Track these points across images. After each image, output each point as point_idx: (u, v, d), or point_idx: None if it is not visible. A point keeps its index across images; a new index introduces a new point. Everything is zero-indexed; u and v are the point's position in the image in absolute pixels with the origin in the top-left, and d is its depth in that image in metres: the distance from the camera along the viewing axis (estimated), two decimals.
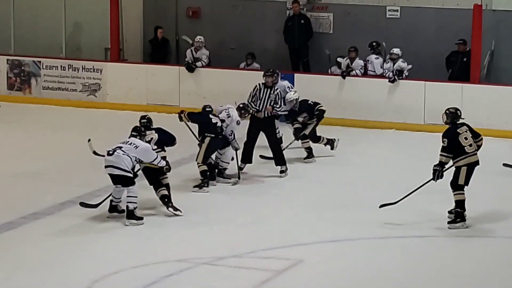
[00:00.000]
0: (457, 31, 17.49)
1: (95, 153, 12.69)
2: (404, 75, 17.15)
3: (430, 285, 9.72)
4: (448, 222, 11.00)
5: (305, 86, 17.22)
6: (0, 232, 11.19)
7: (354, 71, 17.50)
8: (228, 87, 17.44)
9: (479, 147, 11.03)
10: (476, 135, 11.17)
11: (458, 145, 10.84)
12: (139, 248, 10.76)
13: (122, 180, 11.27)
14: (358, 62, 17.62)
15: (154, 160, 11.48)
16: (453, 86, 17.04)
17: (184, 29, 19.62)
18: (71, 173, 13.30)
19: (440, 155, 10.96)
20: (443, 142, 10.90)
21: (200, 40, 18.45)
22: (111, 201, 11.57)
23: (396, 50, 17.30)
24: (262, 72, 14.17)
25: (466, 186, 10.99)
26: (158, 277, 9.69)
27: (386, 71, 17.31)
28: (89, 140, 12.60)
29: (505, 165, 13.92)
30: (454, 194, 11.02)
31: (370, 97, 17.41)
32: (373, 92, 17.42)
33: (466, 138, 10.84)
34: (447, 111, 11.16)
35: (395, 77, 17.02)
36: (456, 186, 10.96)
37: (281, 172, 13.90)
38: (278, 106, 13.82)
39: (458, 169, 10.96)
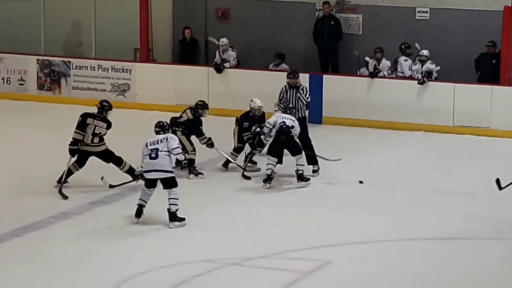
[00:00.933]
0: (486, 33, 17.48)
1: (111, 186, 12.94)
2: (433, 76, 17.14)
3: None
4: None
5: (334, 88, 17.53)
6: (29, 231, 11.26)
7: (381, 72, 17.53)
8: (257, 88, 17.39)
9: None
10: None
11: None
12: (167, 248, 10.80)
13: (169, 183, 11.23)
14: (385, 63, 17.65)
15: (175, 148, 11.37)
16: (483, 88, 17.04)
17: (213, 30, 19.69)
18: (100, 173, 13.30)
19: None
20: None
21: (223, 43, 18.49)
22: (140, 205, 11.46)
23: (425, 52, 17.30)
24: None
25: None
26: (186, 277, 9.72)
27: (415, 72, 17.27)
28: (102, 177, 12.78)
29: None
30: None
31: (398, 99, 17.39)
32: (402, 94, 17.41)
33: None
34: None
35: (424, 78, 17.03)
36: None
37: (313, 171, 13.95)
38: (304, 104, 14.03)
39: None
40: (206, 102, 14.13)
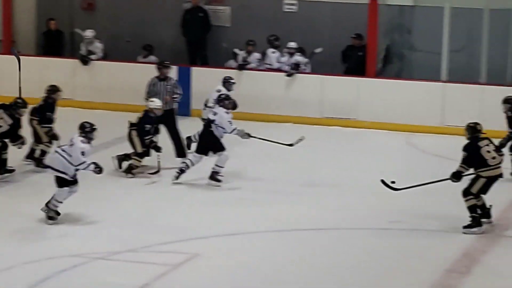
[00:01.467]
0: (353, 26, 17.92)
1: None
2: (301, 68, 17.56)
3: (327, 278, 9.84)
4: (464, 227, 10.87)
5: (203, 80, 17.52)
6: None
7: (250, 64, 17.82)
8: (124, 80, 17.59)
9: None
10: (497, 149, 11.26)
11: (480, 158, 10.72)
12: (31, 243, 10.69)
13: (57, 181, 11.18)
14: (255, 55, 17.97)
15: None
16: (350, 80, 17.52)
17: (79, 22, 19.56)
18: None
19: (460, 166, 10.85)
20: (463, 154, 10.85)
21: (88, 35, 18.50)
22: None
23: (293, 44, 17.68)
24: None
25: (482, 195, 11.00)
26: (52, 272, 9.62)
27: (283, 64, 17.65)
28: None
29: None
30: (465, 201, 10.87)
31: (267, 91, 17.69)
32: (271, 86, 17.70)
33: (488, 151, 10.74)
34: (467, 126, 11.08)
35: (292, 70, 17.44)
36: (467, 193, 10.83)
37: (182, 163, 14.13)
38: (176, 96, 14.09)
39: (476, 178, 10.84)
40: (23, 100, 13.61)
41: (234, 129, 13.01)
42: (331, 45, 18.13)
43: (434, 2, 17.79)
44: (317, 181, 13.73)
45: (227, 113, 12.99)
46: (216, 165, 13.07)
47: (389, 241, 11.27)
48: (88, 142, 11.31)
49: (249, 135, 13.31)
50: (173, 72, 15.87)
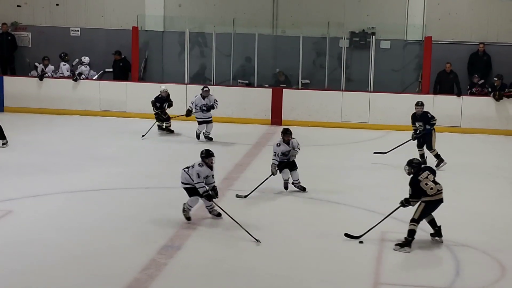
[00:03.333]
0: (120, 46, 19.36)
1: None
2: (83, 77, 18.97)
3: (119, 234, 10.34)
4: (396, 244, 10.00)
5: (12, 85, 18.89)
6: None
7: (47, 74, 19.06)
8: None
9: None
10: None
11: (421, 190, 9.95)
12: None
13: None
14: (50, 67, 19.12)
15: None
16: (119, 84, 19.01)
17: None
18: None
19: (411, 200, 10.08)
20: (409, 190, 10.07)
21: None
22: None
23: (84, 59, 19.15)
24: None
25: (420, 221, 10.06)
26: None
27: (71, 73, 18.96)
28: None
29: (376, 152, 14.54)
30: (409, 224, 10.03)
31: (61, 93, 18.98)
32: (63, 89, 19.04)
33: (426, 184, 9.93)
34: (411, 165, 10.17)
35: (77, 77, 18.92)
36: (412, 218, 10.04)
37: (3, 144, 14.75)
38: None
39: (419, 204, 10.05)
40: None
41: (198, 182, 10.60)
42: (105, 59, 19.59)
43: (177, 29, 19.45)
44: (100, 155, 14.70)
45: (201, 165, 10.54)
46: None
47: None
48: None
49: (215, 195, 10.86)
50: None
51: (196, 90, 17.46)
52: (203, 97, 16.16)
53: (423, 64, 18.14)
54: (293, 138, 12.19)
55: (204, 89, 16.30)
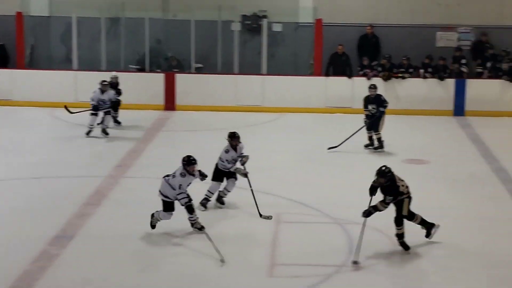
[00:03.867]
0: (4, 32, 18.75)
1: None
2: None
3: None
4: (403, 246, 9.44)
5: None
6: None
7: None
8: None
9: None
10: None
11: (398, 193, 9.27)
12: None
13: None
14: None
15: None
16: (2, 72, 18.45)
17: None
18: None
19: (384, 206, 9.34)
20: (387, 199, 9.29)
21: None
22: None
23: None
24: None
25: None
26: None
27: None
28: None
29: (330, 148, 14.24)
30: (397, 228, 9.52)
31: None
32: None
33: (402, 185, 9.41)
34: (387, 175, 9.29)
35: None
36: (399, 220, 9.52)
37: None
38: None
39: (403, 201, 9.42)
40: None
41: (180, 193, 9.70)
42: None
43: (64, 13, 18.95)
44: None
45: (183, 175, 9.68)
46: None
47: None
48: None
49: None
50: None
51: (87, 76, 17.66)
52: (102, 91, 15.45)
53: (315, 47, 18.39)
54: (240, 143, 11.06)
55: (103, 83, 15.58)
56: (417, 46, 18.50)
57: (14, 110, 17.91)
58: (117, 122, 16.33)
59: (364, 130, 14.45)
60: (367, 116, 14.35)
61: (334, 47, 18.25)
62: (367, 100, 14.38)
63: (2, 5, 19.25)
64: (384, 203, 9.29)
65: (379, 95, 14.44)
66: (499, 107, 17.89)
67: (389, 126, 15.56)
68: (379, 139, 14.47)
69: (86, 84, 17.21)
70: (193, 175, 9.68)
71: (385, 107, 14.31)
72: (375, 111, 14.20)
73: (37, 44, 19.62)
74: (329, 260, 9.26)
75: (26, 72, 18.74)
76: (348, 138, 14.39)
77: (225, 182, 11.02)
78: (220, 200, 11.00)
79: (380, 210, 9.31)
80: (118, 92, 16.16)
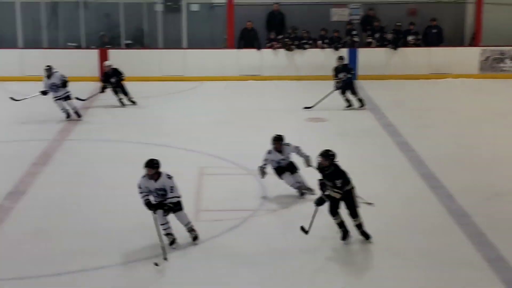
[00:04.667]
0: None
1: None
2: None
3: None
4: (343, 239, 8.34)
5: None
6: None
7: None
8: None
9: None
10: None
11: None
12: None
13: None
14: None
15: None
16: None
17: None
18: None
19: (338, 192, 8.12)
20: (338, 183, 8.07)
21: None
22: None
23: None
24: None
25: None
26: None
27: None
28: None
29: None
30: (355, 220, 8.36)
31: None
32: None
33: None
34: (329, 154, 8.14)
35: None
36: (355, 214, 8.34)
37: None
38: None
39: (352, 190, 8.27)
40: None
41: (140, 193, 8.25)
42: None
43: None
44: None
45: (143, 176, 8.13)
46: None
47: None
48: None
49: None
50: None
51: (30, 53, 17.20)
52: (48, 76, 13.80)
53: (227, 23, 18.49)
54: (288, 145, 9.69)
55: (45, 68, 13.88)
56: (315, 21, 18.62)
57: None
58: (132, 102, 15.31)
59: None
60: (337, 83, 14.49)
61: (245, 23, 18.27)
62: (337, 70, 14.52)
63: None
64: (336, 188, 8.03)
65: (346, 64, 14.75)
66: (385, 71, 18.25)
67: (292, 91, 15.87)
68: (360, 99, 14.74)
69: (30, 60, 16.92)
70: (152, 178, 8.05)
71: (352, 73, 14.63)
72: (344, 78, 14.36)
73: None
74: (245, 205, 9.44)
75: None
76: (321, 100, 14.63)
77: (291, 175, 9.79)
78: (302, 188, 9.73)
79: (336, 197, 8.09)
80: (119, 76, 15.07)
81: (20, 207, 9.39)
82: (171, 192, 8.04)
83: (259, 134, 12.33)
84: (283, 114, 14.55)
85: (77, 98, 14.41)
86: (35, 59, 16.61)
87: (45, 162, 11.18)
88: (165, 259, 7.86)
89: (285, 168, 9.67)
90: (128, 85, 15.55)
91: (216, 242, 8.38)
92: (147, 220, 8.15)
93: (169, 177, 8.03)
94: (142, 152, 11.44)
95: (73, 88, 14.21)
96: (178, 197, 8.07)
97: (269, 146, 9.69)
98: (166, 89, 16.88)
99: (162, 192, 8.03)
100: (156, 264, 7.72)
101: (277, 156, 9.63)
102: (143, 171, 8.10)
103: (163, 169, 8.08)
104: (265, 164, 9.69)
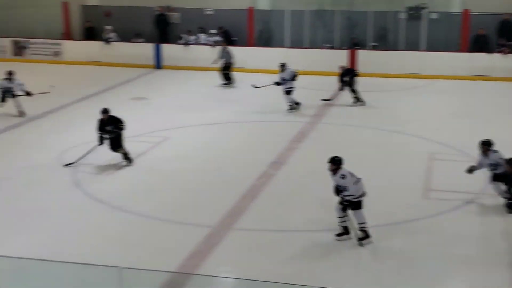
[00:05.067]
0: None
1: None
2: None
3: None
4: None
5: (167, 50, 18.21)
6: None
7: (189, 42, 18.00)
8: None
9: None
10: None
11: None
12: None
13: None
14: (192, 37, 18.20)
15: None
16: None
17: None
18: None
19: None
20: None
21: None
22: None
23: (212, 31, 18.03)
24: None
25: None
26: None
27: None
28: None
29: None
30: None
31: (200, 55, 18.00)
32: (202, 52, 17.99)
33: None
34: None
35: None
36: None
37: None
38: None
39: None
40: None
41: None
42: None
43: (280, 7, 18.58)
44: (223, 99, 14.17)
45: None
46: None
47: None
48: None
49: None
50: None
51: (293, 52, 17.36)
52: (282, 71, 12.99)
53: (462, 30, 17.51)
54: (495, 152, 8.34)
55: (280, 64, 13.09)
56: None
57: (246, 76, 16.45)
58: (358, 100, 13.89)
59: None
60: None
61: (478, 30, 17.09)
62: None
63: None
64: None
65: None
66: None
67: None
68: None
69: (293, 57, 16.50)
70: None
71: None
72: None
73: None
74: (469, 189, 8.76)
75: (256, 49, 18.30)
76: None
77: None
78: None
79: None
80: (352, 73, 13.95)
81: (279, 174, 9.44)
82: (346, 191, 7.03)
83: (486, 128, 11.28)
84: (231, 102, 13.61)
85: (285, 89, 13.24)
86: (297, 57, 16.77)
87: (300, 140, 11.16)
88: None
89: (500, 177, 8.16)
90: (372, 80, 15.02)
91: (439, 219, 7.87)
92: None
93: (343, 177, 6.97)
94: (379, 138, 11.14)
95: (322, 81, 14.08)
96: (353, 195, 6.98)
97: (495, 139, 8.74)
98: (404, 84, 16.23)
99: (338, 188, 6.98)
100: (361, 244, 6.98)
101: (484, 160, 8.35)
102: (376, 154, 7.68)
103: (383, 156, 7.59)
104: (475, 166, 8.50)
